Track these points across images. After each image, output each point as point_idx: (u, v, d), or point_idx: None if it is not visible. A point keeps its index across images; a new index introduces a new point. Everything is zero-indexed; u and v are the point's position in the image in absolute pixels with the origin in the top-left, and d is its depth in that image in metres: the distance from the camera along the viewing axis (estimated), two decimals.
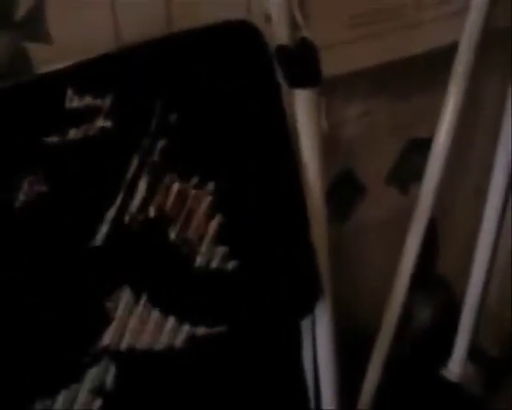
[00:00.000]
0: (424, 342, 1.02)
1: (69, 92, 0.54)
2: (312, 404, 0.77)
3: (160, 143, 0.57)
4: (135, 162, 0.56)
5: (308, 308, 0.70)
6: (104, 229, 0.56)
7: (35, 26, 0.59)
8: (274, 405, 0.71)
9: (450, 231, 1.01)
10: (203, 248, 0.60)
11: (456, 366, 0.98)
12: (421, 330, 1.03)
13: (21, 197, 0.53)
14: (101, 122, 0.55)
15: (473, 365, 1.00)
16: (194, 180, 0.59)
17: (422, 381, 0.95)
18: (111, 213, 0.56)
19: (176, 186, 0.58)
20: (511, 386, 1.00)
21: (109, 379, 0.58)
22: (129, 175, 0.56)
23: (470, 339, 0.98)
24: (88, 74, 0.55)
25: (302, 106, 0.64)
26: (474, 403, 0.95)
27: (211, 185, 0.60)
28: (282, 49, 0.61)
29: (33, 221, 0.54)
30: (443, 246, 1.01)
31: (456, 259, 1.01)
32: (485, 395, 0.99)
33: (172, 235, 0.59)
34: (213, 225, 0.60)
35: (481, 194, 0.94)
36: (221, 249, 0.61)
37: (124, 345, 0.58)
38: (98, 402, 0.58)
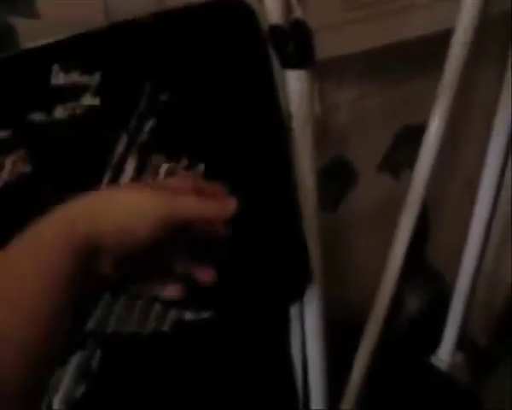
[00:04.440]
0: (414, 330, 1.02)
1: (55, 68, 0.52)
2: (300, 392, 0.77)
3: (149, 123, 0.56)
4: (123, 141, 0.55)
5: (297, 294, 0.69)
6: None
7: (23, 1, 0.58)
8: (262, 391, 0.71)
9: (441, 221, 1.00)
10: None
11: (445, 355, 0.98)
12: (411, 318, 1.03)
13: (3, 177, 0.52)
14: (89, 100, 0.54)
15: (462, 354, 1.00)
16: (184, 162, 0.58)
17: (411, 369, 0.95)
18: None
19: (164, 167, 0.57)
20: (499, 375, 1.00)
21: (94, 363, 0.58)
22: (116, 155, 0.55)
23: (460, 328, 0.98)
24: (75, 51, 0.54)
25: (295, 87, 0.62)
26: (463, 391, 0.95)
27: (200, 167, 0.59)
28: (275, 29, 0.60)
29: (15, 202, 0.52)
30: (434, 235, 1.01)
31: (447, 248, 1.00)
32: (474, 383, 0.99)
33: None
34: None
35: (473, 184, 0.93)
36: None
37: (109, 330, 0.57)
38: (83, 386, 0.58)
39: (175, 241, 0.41)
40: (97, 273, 0.38)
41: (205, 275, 0.44)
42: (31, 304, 0.34)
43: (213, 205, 0.42)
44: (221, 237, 0.44)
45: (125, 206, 0.39)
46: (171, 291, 0.43)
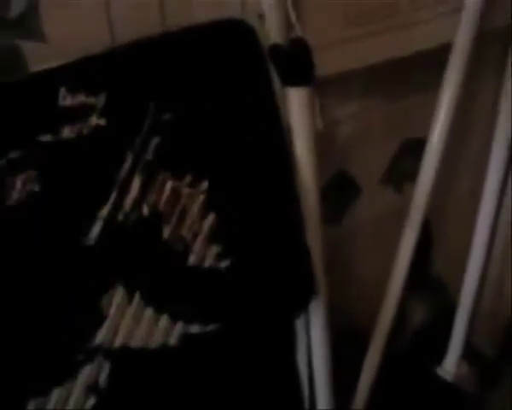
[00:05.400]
0: (419, 341, 1.02)
1: (62, 90, 0.54)
2: (307, 403, 0.77)
3: (154, 142, 0.57)
4: (128, 160, 0.57)
5: (302, 307, 0.70)
6: (97, 228, 0.56)
7: (29, 25, 0.59)
8: (268, 404, 0.71)
9: (444, 232, 1.01)
10: (196, 246, 0.60)
11: (450, 366, 0.98)
12: (416, 329, 1.03)
13: (14, 196, 0.53)
14: (95, 120, 0.55)
15: (467, 364, 1.00)
16: (188, 179, 0.59)
17: (417, 380, 0.95)
18: (104, 212, 0.56)
19: (169, 184, 0.58)
20: (506, 385, 1.00)
21: (103, 377, 0.58)
22: (122, 173, 0.56)
23: (465, 339, 0.98)
24: (81, 73, 0.56)
25: (296, 105, 0.64)
26: (469, 402, 0.95)
27: (204, 184, 0.60)
28: (275, 47, 0.62)
29: (25, 220, 0.54)
30: (438, 246, 1.01)
31: (450, 259, 1.01)
32: (480, 394, 0.99)
33: (166, 233, 0.59)
34: (207, 223, 0.60)
35: (475, 194, 0.94)
36: (214, 248, 0.61)
37: (117, 343, 0.58)
38: (92, 400, 0.58)
39: None
40: None
41: None
42: None
43: None
44: None
45: None
46: None
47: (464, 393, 0.97)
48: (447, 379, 0.98)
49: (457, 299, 0.98)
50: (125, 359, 0.59)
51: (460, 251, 0.97)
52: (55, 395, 0.57)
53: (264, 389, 0.71)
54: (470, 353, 1.00)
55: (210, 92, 0.60)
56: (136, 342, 0.59)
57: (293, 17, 0.61)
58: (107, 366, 0.58)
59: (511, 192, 0.95)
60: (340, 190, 0.88)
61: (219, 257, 0.61)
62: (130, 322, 0.59)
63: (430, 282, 1.03)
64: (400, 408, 0.89)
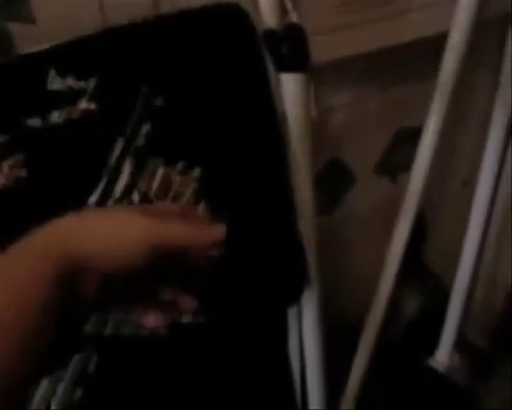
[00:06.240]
0: (412, 332, 1.02)
1: (51, 73, 0.53)
2: (298, 393, 0.77)
3: (145, 127, 0.56)
4: (119, 146, 0.56)
5: (295, 297, 0.69)
6: None
7: (17, 6, 0.58)
8: (259, 394, 0.71)
9: (438, 223, 1.00)
10: None
11: (443, 357, 0.98)
12: (409, 320, 1.03)
13: (0, 181, 0.52)
14: (85, 105, 0.54)
15: (460, 355, 1.00)
16: (180, 166, 0.58)
17: (410, 371, 0.95)
18: (94, 198, 0.55)
19: (161, 171, 0.57)
20: (497, 377, 1.00)
21: (92, 366, 0.58)
22: (113, 159, 0.55)
23: (458, 330, 0.98)
24: (71, 55, 0.54)
25: (290, 91, 0.63)
26: (461, 393, 0.96)
27: (196, 171, 0.59)
28: (269, 33, 0.60)
29: (11, 206, 0.53)
30: (431, 237, 1.01)
31: (444, 250, 1.01)
32: (472, 385, 0.99)
33: None
34: (199, 211, 0.59)
35: (470, 185, 0.94)
36: None
37: (106, 333, 0.58)
38: (80, 388, 0.58)
39: (162, 267, 0.40)
40: (81, 292, 0.38)
41: (187, 304, 0.43)
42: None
43: (202, 230, 0.41)
44: (208, 262, 0.43)
45: (113, 229, 0.38)
46: (151, 321, 0.43)
47: (456, 384, 0.97)
48: (439, 370, 0.98)
49: (450, 290, 0.98)
50: (114, 347, 0.58)
51: (453, 243, 0.97)
52: (45, 383, 0.56)
53: (255, 380, 0.70)
54: (463, 344, 1.01)
55: (203, 77, 0.59)
56: (126, 331, 0.58)
57: (288, 2, 0.60)
58: (96, 355, 0.58)
59: (505, 184, 0.95)
60: (334, 180, 0.88)
61: None
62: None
63: (423, 273, 1.03)
64: (392, 398, 0.89)
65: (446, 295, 0.99)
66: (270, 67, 0.62)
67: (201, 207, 0.59)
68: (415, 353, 0.99)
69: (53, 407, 0.55)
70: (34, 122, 0.52)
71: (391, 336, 0.94)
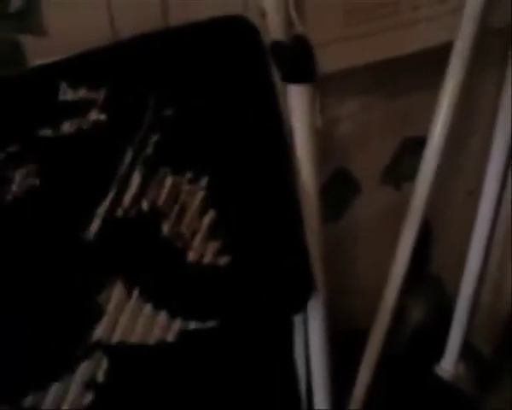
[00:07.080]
0: (417, 340, 1.02)
1: (63, 85, 0.54)
2: (304, 402, 0.77)
3: (154, 137, 0.57)
4: (128, 156, 0.56)
5: (300, 305, 0.70)
6: (96, 223, 0.56)
7: (29, 18, 0.59)
8: (266, 401, 0.71)
9: (443, 231, 1.01)
10: (196, 243, 0.60)
11: (449, 365, 0.98)
12: (415, 328, 1.03)
13: (13, 190, 0.53)
14: (95, 115, 0.55)
15: (466, 363, 1.00)
16: (188, 175, 0.59)
17: (415, 379, 0.95)
18: (103, 207, 0.56)
19: (169, 180, 0.58)
20: (504, 385, 1.00)
21: (101, 373, 0.58)
22: (122, 169, 0.56)
23: (463, 338, 0.98)
24: (82, 67, 0.55)
25: (296, 102, 0.64)
26: (467, 402, 0.95)
27: (204, 180, 0.60)
28: (276, 44, 0.61)
29: (25, 215, 0.54)
30: (437, 245, 1.01)
31: (449, 258, 1.01)
32: (478, 393, 0.99)
33: (165, 229, 0.59)
34: (206, 220, 0.60)
35: (475, 193, 0.94)
36: (213, 245, 0.61)
37: (115, 339, 0.58)
38: (89, 396, 0.58)
39: None
40: None
41: None
42: None
43: None
44: None
45: None
46: None
47: (462, 392, 0.97)
48: (445, 378, 0.98)
49: (456, 298, 0.98)
50: (123, 355, 0.59)
51: (459, 250, 0.97)
52: (53, 389, 0.57)
53: (261, 386, 0.71)
54: (468, 352, 1.00)
55: (211, 88, 0.59)
56: (135, 337, 0.59)
57: (294, 14, 0.61)
58: (105, 362, 0.58)
59: (511, 192, 0.95)
60: (339, 189, 0.88)
61: (218, 254, 0.61)
62: (129, 318, 0.59)
63: (429, 281, 1.03)
64: (398, 407, 0.89)
65: (452, 303, 0.99)
66: (277, 78, 0.63)
67: (210, 215, 0.60)
68: (420, 360, 0.99)
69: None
70: (46, 133, 0.54)
71: (396, 344, 0.94)
